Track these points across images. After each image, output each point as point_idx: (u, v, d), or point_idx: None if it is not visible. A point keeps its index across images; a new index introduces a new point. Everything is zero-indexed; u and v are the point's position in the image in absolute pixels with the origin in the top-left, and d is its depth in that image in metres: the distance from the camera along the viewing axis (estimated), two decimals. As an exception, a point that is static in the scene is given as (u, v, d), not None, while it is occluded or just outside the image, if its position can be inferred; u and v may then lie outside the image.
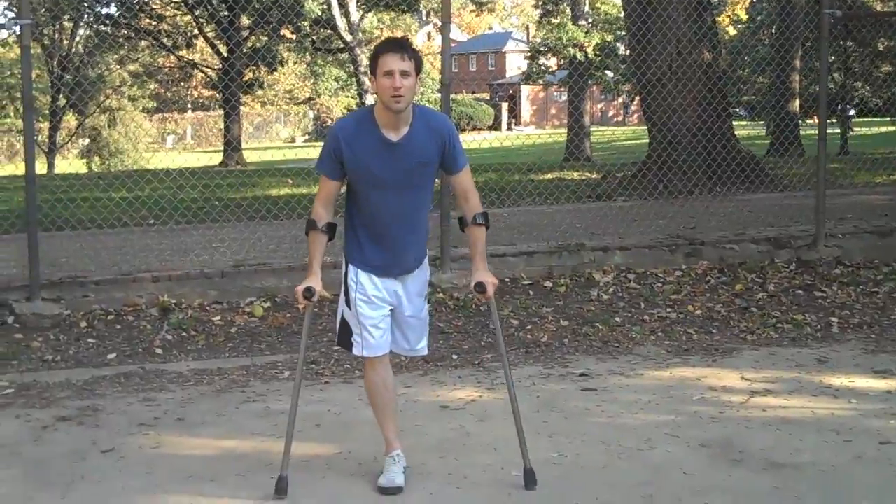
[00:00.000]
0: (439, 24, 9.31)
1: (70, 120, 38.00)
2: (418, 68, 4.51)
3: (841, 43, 28.01)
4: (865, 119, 35.12)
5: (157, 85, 46.34)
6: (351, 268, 4.74)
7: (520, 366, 6.86)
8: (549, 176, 17.78)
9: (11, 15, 35.02)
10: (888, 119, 35.63)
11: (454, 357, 7.08)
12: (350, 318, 4.76)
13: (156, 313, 7.90)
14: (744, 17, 52.26)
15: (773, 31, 33.39)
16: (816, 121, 10.81)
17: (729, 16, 52.41)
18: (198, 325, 7.73)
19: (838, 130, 26.92)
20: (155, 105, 49.42)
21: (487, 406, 6.06)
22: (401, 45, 4.52)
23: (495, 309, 4.99)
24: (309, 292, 4.66)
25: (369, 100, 37.75)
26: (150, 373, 6.80)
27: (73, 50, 36.14)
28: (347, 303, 4.76)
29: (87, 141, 38.40)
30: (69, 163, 34.88)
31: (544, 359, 7.05)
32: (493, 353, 7.14)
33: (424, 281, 4.92)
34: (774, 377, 6.54)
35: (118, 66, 40.61)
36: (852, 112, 27.98)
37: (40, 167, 11.85)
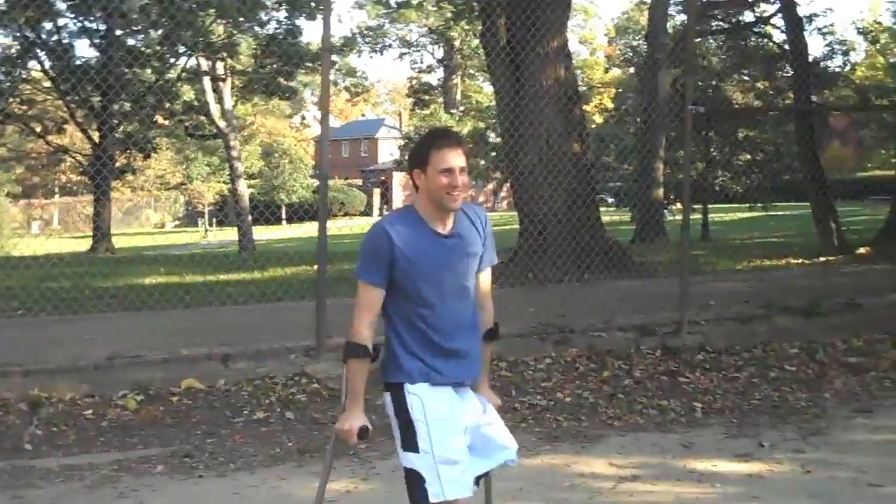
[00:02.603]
0: (311, 110, 9.52)
1: (-67, 205, 37.22)
2: (468, 161, 4.20)
3: (703, 133, 29.08)
4: (725, 206, 36.29)
5: (24, 170, 45.55)
6: (409, 395, 4.04)
7: (387, 458, 6.83)
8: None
9: None
10: (747, 206, 36.96)
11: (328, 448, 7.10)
12: (421, 460, 3.96)
13: (25, 408, 7.78)
14: (610, 105, 53.76)
15: (638, 120, 34.48)
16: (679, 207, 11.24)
17: (596, 106, 53.80)
18: (69, 420, 7.63)
19: (700, 216, 27.83)
20: (20, 190, 48.59)
21: (364, 498, 6.12)
22: (457, 139, 4.14)
23: None
24: (365, 432, 4.04)
25: (241, 185, 37.83)
26: (19, 469, 6.70)
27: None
28: (414, 443, 3.99)
29: (-52, 226, 37.64)
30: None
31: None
32: (368, 443, 7.18)
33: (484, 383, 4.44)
34: (641, 462, 6.74)
35: (-16, 151, 39.93)
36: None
37: None
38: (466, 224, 4.18)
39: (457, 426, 4.04)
